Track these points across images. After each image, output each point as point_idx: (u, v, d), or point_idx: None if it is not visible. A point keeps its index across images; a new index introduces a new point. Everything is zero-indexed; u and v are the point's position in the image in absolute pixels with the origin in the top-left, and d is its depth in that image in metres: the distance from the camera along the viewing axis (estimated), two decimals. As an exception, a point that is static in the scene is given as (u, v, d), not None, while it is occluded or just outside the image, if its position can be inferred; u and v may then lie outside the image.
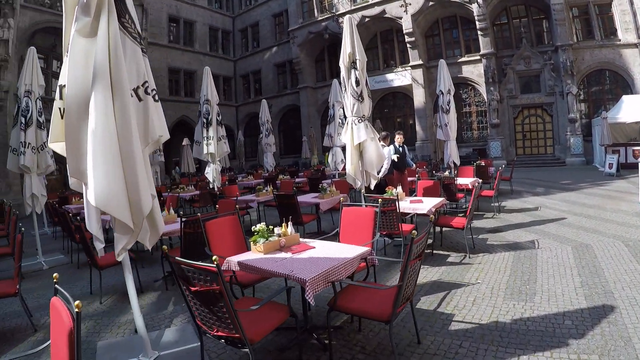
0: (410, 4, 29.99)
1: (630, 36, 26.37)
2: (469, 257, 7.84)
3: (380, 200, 6.65)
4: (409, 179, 12.89)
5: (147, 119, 4.33)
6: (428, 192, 10.12)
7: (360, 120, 8.53)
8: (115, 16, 4.01)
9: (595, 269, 6.83)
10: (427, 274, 7.04)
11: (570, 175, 20.95)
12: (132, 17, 4.35)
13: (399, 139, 11.63)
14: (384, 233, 7.69)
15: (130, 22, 4.32)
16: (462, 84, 30.83)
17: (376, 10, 31.70)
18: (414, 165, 12.10)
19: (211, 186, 13.86)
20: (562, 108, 27.34)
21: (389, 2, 30.97)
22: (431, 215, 7.00)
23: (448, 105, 13.67)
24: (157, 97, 4.53)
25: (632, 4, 26.04)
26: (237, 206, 7.48)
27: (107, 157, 3.85)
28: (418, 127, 31.32)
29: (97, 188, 3.81)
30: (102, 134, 3.81)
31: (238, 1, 43.35)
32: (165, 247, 3.90)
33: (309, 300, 3.71)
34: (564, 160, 27.12)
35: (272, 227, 5.24)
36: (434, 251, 8.37)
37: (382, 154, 9.13)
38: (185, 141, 26.71)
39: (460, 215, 9.75)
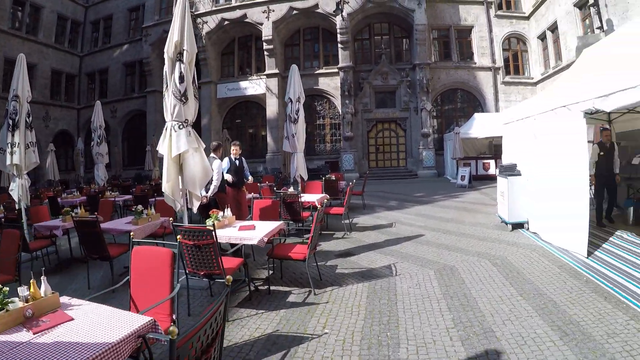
0: (273, 11, 28.61)
1: (485, 60, 29.03)
2: (314, 294, 6.11)
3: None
4: (251, 195, 11.25)
5: None
6: (266, 214, 8.37)
7: (181, 126, 6.62)
8: None
9: (466, 298, 5.55)
10: (261, 323, 5.16)
11: (424, 188, 20.60)
12: None
13: (234, 150, 9.78)
14: (202, 273, 5.63)
15: None
16: (317, 96, 30.54)
17: (238, 13, 29.59)
18: (250, 178, 10.23)
19: (17, 207, 10.62)
20: (415, 123, 28.00)
21: (251, 6, 29.26)
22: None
23: (297, 115, 12.16)
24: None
25: (490, 31, 28.85)
26: None
27: None
28: (269, 139, 29.72)
29: None
30: None
31: (94, -12, 38.07)
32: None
33: None
34: (416, 172, 27.62)
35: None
36: (272, 287, 6.55)
37: (208, 168, 7.20)
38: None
39: (305, 240, 7.81)
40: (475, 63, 29.07)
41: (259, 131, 31.84)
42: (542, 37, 27.60)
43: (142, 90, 34.25)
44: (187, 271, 5.69)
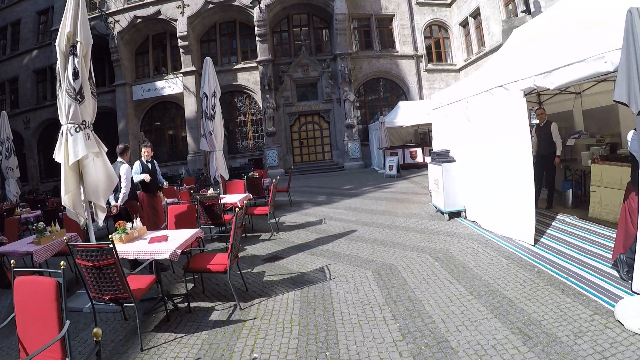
0: (188, 5, 27.11)
1: (407, 48, 29.04)
2: (240, 309, 5.28)
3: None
4: (170, 200, 10.29)
5: None
6: (182, 221, 7.40)
7: (78, 129, 5.64)
8: None
9: (412, 302, 4.91)
10: (180, 351, 4.30)
11: (352, 180, 20.08)
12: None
13: (146, 152, 8.78)
14: (107, 298, 4.64)
15: None
16: (237, 92, 29.56)
17: (151, 10, 27.81)
18: (165, 182, 9.25)
19: None
20: (339, 114, 27.61)
21: (165, 2, 27.63)
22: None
23: (213, 110, 11.28)
24: None
25: (412, 19, 28.92)
26: None
27: None
28: (190, 139, 28.23)
29: None
30: None
31: (1, -8, 34.75)
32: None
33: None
34: (342, 165, 27.22)
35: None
36: (192, 304, 5.65)
37: (112, 175, 6.20)
38: None
39: (225, 248, 6.40)
40: (398, 52, 28.96)
41: (179, 132, 30.21)
42: (464, 24, 27.98)
43: (54, 98, 31.66)
44: (90, 296, 4.75)
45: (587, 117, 10.09)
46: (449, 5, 29.05)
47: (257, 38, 27.11)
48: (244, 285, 6.08)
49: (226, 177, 11.86)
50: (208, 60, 11.80)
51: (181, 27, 27.23)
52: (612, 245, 5.43)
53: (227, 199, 9.77)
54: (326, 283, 5.91)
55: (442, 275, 5.67)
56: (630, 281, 4.50)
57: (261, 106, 27.73)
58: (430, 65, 29.15)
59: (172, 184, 19.53)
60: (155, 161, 9.03)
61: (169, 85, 28.84)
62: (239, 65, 28.91)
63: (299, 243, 8.48)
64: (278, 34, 29.65)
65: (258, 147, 29.19)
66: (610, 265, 5.19)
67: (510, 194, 6.77)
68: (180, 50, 27.97)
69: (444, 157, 9.11)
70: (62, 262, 3.65)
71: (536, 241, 6.56)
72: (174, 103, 29.70)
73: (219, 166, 11.46)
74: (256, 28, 26.86)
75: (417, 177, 17.94)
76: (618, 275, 4.88)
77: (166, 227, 7.42)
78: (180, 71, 28.42)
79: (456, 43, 29.28)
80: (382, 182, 17.60)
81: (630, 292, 4.41)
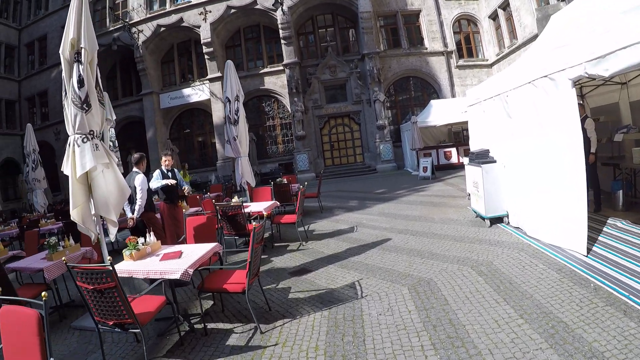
0: (210, 12, 26.98)
1: (436, 45, 27.90)
2: (261, 332, 4.82)
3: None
4: (191, 210, 10.01)
5: None
6: (201, 233, 6.91)
7: (85, 139, 5.34)
8: None
9: (454, 327, 4.32)
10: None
11: (384, 183, 19.35)
12: None
13: (166, 161, 8.46)
14: (110, 323, 4.30)
15: None
16: (265, 96, 29.03)
17: (173, 18, 27.81)
18: (186, 187, 8.77)
19: None
20: (369, 116, 26.82)
21: (187, 9, 27.54)
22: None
23: (237, 115, 10.90)
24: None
25: (439, 14, 27.82)
26: None
27: None
28: (218, 145, 27.83)
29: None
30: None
31: (27, 10, 35.55)
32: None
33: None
34: (375, 167, 26.21)
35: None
36: (210, 325, 5.24)
37: (124, 186, 5.90)
38: None
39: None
40: (427, 48, 27.95)
41: (209, 138, 30.05)
42: (494, 17, 26.90)
43: None
44: (95, 320, 4.38)
45: (636, 109, 9.17)
46: (477, -3, 27.95)
47: (282, 41, 26.60)
48: (266, 304, 5.60)
49: (252, 184, 11.46)
50: (229, 63, 11.47)
51: (205, 34, 27.04)
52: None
53: (253, 207, 9.28)
54: (357, 302, 5.35)
55: (486, 293, 5.04)
56: None
57: (290, 110, 27.21)
58: (461, 62, 28.09)
59: (198, 191, 19.20)
60: (176, 170, 8.71)
61: (196, 92, 28.73)
62: (266, 69, 28.46)
63: (329, 254, 7.93)
64: (303, 36, 29.08)
65: (288, 152, 28.71)
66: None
67: (559, 197, 6.03)
68: (205, 56, 27.79)
69: (483, 157, 8.40)
70: (44, 293, 3.30)
71: (589, 250, 5.81)
72: (202, 110, 29.63)
73: (245, 173, 11.06)
74: (280, 31, 26.37)
75: (453, 179, 17.15)
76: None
77: (184, 240, 7.00)
78: (207, 78, 28.26)
79: (487, 37, 28.13)
80: (417, 185, 16.86)
81: None
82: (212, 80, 27.99)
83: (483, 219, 8.50)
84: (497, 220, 8.39)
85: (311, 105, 27.19)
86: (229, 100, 11.08)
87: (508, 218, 8.18)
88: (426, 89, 28.49)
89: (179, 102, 29.46)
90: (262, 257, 7.85)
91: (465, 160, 9.73)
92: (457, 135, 24.67)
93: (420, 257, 6.93)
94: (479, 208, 8.63)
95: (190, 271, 4.78)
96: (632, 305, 4.17)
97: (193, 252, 5.41)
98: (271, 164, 27.67)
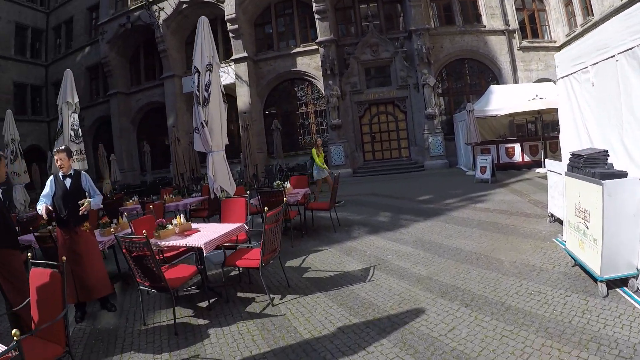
0: (235, -16, 24.39)
1: (496, 22, 24.07)
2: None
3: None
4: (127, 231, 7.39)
5: None
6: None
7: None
8: None
9: None
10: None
11: (432, 185, 15.68)
12: None
13: (58, 161, 5.52)
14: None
15: None
16: (297, 79, 26.06)
17: (195, -8, 25.76)
18: (97, 198, 5.75)
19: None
20: (417, 103, 23.05)
21: (211, -19, 25.10)
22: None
23: (207, 92, 7.65)
24: None
25: None
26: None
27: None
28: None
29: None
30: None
31: (55, -8, 34.94)
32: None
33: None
34: (422, 163, 22.87)
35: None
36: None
37: None
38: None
39: None
40: (485, 26, 23.97)
41: (234, 126, 26.93)
42: (564, -10, 22.63)
43: (105, 94, 31.03)
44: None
45: None
46: (543, -33, 23.72)
47: (316, 15, 23.23)
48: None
49: (230, 190, 8.11)
50: (202, 19, 8.16)
51: (229, 9, 24.19)
52: None
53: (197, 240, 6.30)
54: None
55: None
56: None
57: (325, 95, 23.91)
58: (524, 43, 23.97)
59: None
60: (84, 174, 5.94)
61: (221, 75, 25.48)
62: (298, 49, 25.36)
63: (299, 341, 4.39)
64: (341, 11, 25.53)
65: (324, 143, 25.11)
66: None
67: None
68: (230, 35, 24.97)
69: (599, 164, 4.57)
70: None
71: None
72: (228, 95, 26.36)
73: (218, 175, 7.78)
74: (314, 4, 23.01)
75: (518, 184, 13.29)
76: None
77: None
78: (232, 58, 25.38)
79: (554, 15, 23.90)
80: (473, 191, 12.94)
81: None
82: (237, 61, 25.16)
83: (595, 280, 4.58)
84: (617, 282, 4.54)
85: (349, 89, 23.78)
86: (198, 71, 7.85)
87: (637, 280, 4.38)
88: (484, 74, 24.62)
89: (201, 86, 26.43)
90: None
91: (549, 163, 5.99)
92: (521, 128, 21.55)
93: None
94: (589, 259, 4.69)
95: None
96: None
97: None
98: (303, 156, 24.12)
